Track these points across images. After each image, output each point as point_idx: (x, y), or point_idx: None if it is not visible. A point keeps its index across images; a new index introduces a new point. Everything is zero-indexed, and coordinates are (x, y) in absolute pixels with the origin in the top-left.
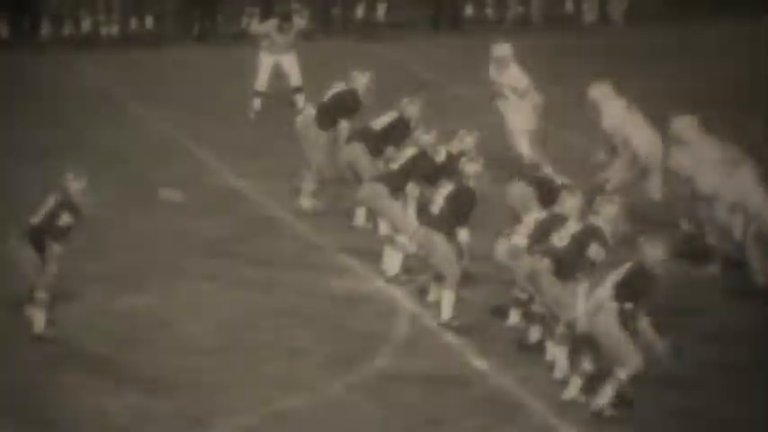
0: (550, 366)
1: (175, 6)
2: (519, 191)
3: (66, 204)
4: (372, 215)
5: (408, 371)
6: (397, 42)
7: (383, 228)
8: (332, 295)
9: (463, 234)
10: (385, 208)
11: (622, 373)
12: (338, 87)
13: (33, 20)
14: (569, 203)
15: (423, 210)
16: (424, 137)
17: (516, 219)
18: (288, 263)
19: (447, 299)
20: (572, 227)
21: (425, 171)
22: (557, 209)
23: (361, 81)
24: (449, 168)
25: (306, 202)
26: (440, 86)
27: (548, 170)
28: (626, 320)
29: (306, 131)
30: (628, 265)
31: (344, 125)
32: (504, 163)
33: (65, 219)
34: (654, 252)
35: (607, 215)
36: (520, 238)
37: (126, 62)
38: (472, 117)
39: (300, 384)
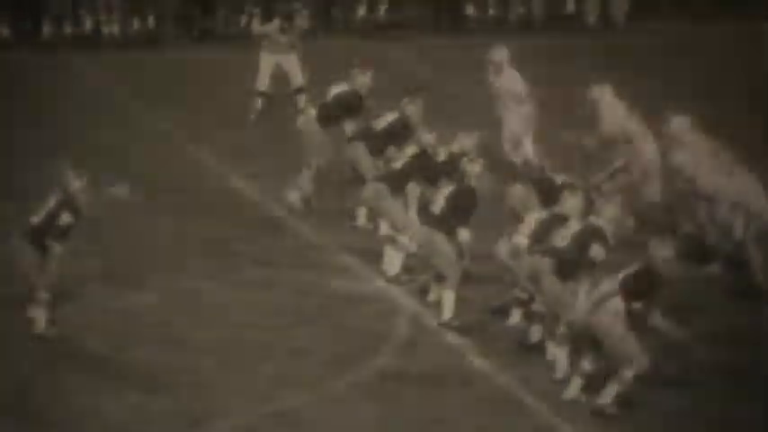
0: (551, 366)
1: (176, 6)
2: (519, 192)
3: (67, 204)
4: (373, 215)
5: (409, 370)
6: (398, 42)
7: (384, 227)
8: (332, 295)
9: (464, 234)
10: (386, 208)
11: (628, 373)
12: (340, 87)
13: (34, 20)
14: (570, 203)
15: (424, 209)
16: (425, 136)
17: (517, 218)
18: (288, 262)
19: (448, 298)
20: (573, 227)
21: (426, 170)
22: (558, 208)
23: (362, 80)
24: (450, 168)
25: (292, 196)
26: (441, 86)
27: (548, 170)
28: (635, 320)
29: (307, 131)
30: (635, 266)
31: (348, 126)
32: (504, 163)
33: (65, 218)
34: (662, 252)
35: (608, 215)
36: (521, 237)
37: (127, 62)
38: (473, 117)
39: (301, 384)
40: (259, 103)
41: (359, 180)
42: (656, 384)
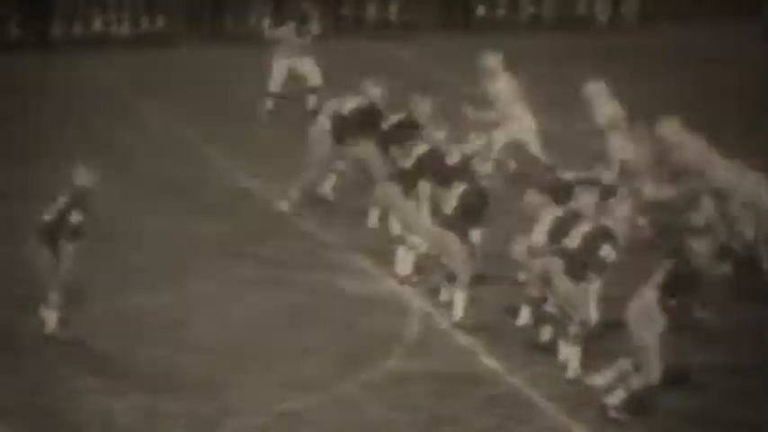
0: (562, 366)
1: (186, 6)
2: (534, 199)
3: (77, 202)
4: (385, 215)
5: (420, 370)
6: (408, 42)
7: (396, 227)
8: (344, 295)
9: (476, 234)
10: (398, 207)
11: (636, 383)
12: (356, 101)
13: (44, 20)
14: (585, 200)
15: (435, 209)
16: (436, 134)
17: (533, 218)
18: (300, 263)
19: (459, 298)
20: (584, 227)
21: (437, 168)
22: (573, 205)
23: (375, 92)
24: (462, 169)
25: (294, 194)
26: (451, 86)
27: (559, 168)
28: (674, 315)
29: (318, 143)
30: (671, 263)
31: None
32: (516, 163)
33: (76, 217)
34: (698, 247)
35: (620, 215)
36: (538, 236)
37: (137, 62)
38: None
39: (312, 384)
40: (270, 103)
41: (369, 180)
42: (667, 385)
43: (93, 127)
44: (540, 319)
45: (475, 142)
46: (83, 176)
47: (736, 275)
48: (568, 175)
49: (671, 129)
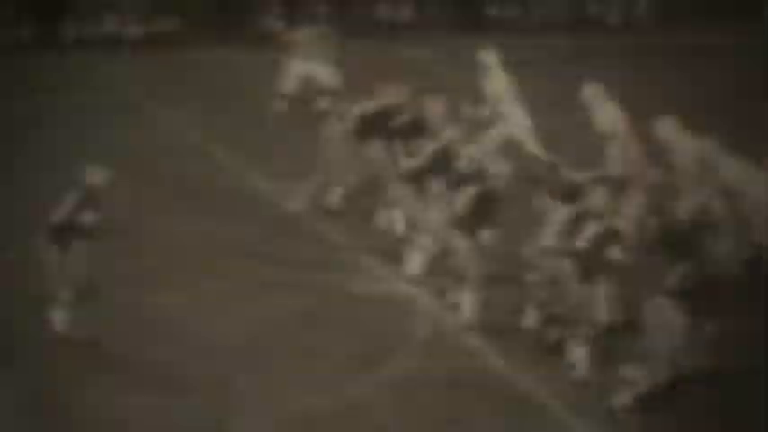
0: (570, 367)
1: (198, 7)
2: (543, 202)
3: (87, 201)
4: (395, 215)
5: (429, 372)
6: (420, 43)
7: (399, 227)
8: (354, 296)
9: (486, 235)
10: (408, 207)
11: (643, 384)
12: (375, 102)
13: (57, 20)
14: (595, 198)
15: (446, 210)
16: (448, 133)
17: (543, 219)
18: (310, 264)
19: (468, 299)
20: (592, 228)
21: (448, 167)
22: (584, 204)
23: (397, 95)
24: (472, 170)
25: (303, 196)
26: (463, 87)
27: (562, 167)
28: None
29: (336, 142)
30: (689, 264)
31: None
32: (527, 163)
33: (86, 216)
34: (718, 248)
35: (628, 215)
36: (549, 237)
37: (149, 63)
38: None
39: (323, 384)
40: (282, 105)
41: (379, 181)
42: (674, 385)
43: (106, 127)
44: (548, 319)
45: (485, 143)
46: (94, 176)
47: (745, 276)
48: (578, 177)
49: (671, 128)
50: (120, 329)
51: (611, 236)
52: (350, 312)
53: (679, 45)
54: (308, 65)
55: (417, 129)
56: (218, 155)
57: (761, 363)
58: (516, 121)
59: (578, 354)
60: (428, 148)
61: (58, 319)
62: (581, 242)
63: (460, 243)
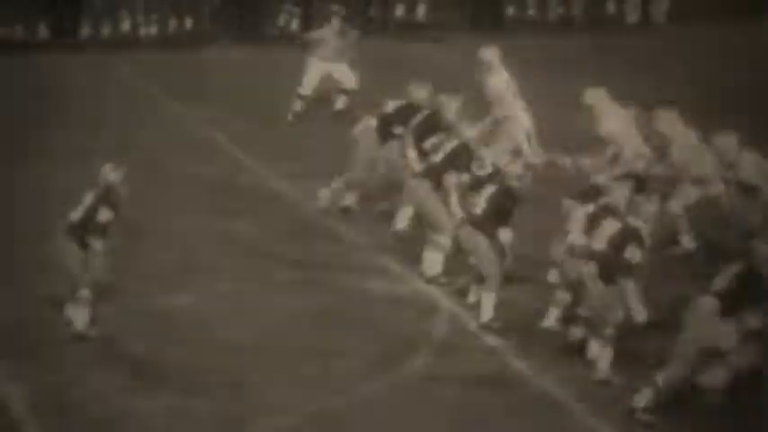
0: (591, 367)
1: (214, 7)
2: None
3: (105, 199)
4: (414, 215)
5: (448, 372)
6: (437, 42)
7: (401, 222)
8: (372, 296)
9: (505, 234)
10: (427, 206)
11: (660, 380)
12: (399, 101)
13: (73, 21)
14: (617, 194)
15: (465, 210)
16: (467, 131)
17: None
18: (327, 264)
19: (488, 299)
20: (611, 227)
21: (467, 163)
22: (605, 200)
23: (421, 95)
24: (492, 171)
25: (325, 195)
26: (480, 86)
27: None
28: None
29: (364, 142)
30: (735, 266)
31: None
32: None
33: (104, 214)
34: (763, 250)
35: (645, 215)
36: (575, 236)
37: (165, 63)
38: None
39: (341, 384)
40: (299, 105)
41: (397, 182)
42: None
43: (123, 127)
44: (569, 319)
45: (504, 144)
46: (110, 174)
47: None
48: (600, 179)
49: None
50: (136, 329)
51: (629, 236)
52: (368, 312)
53: (696, 43)
54: (325, 65)
55: (435, 127)
56: (235, 155)
57: None
58: (517, 119)
59: (600, 354)
60: (447, 146)
61: (76, 318)
62: (600, 243)
63: (480, 242)
